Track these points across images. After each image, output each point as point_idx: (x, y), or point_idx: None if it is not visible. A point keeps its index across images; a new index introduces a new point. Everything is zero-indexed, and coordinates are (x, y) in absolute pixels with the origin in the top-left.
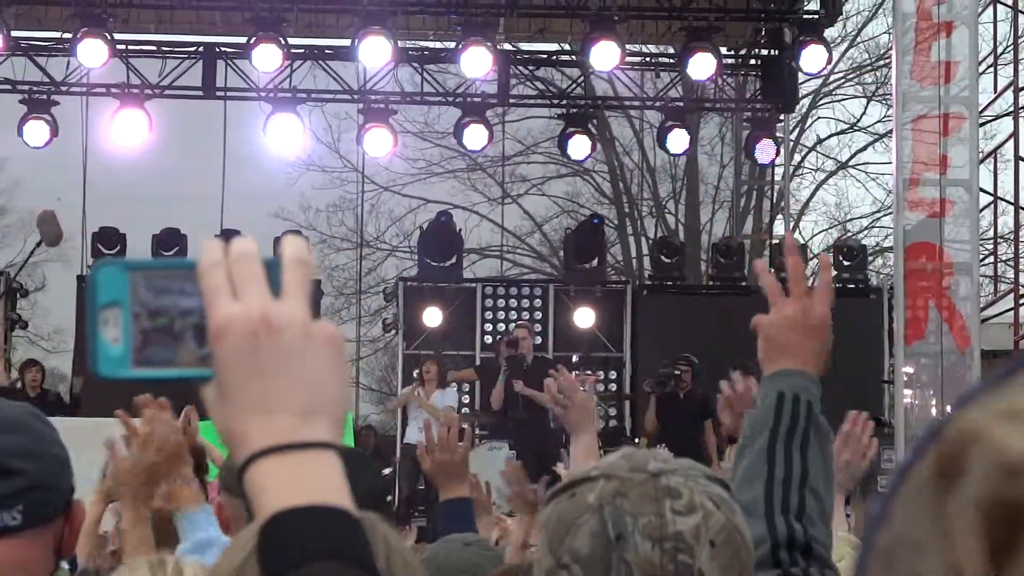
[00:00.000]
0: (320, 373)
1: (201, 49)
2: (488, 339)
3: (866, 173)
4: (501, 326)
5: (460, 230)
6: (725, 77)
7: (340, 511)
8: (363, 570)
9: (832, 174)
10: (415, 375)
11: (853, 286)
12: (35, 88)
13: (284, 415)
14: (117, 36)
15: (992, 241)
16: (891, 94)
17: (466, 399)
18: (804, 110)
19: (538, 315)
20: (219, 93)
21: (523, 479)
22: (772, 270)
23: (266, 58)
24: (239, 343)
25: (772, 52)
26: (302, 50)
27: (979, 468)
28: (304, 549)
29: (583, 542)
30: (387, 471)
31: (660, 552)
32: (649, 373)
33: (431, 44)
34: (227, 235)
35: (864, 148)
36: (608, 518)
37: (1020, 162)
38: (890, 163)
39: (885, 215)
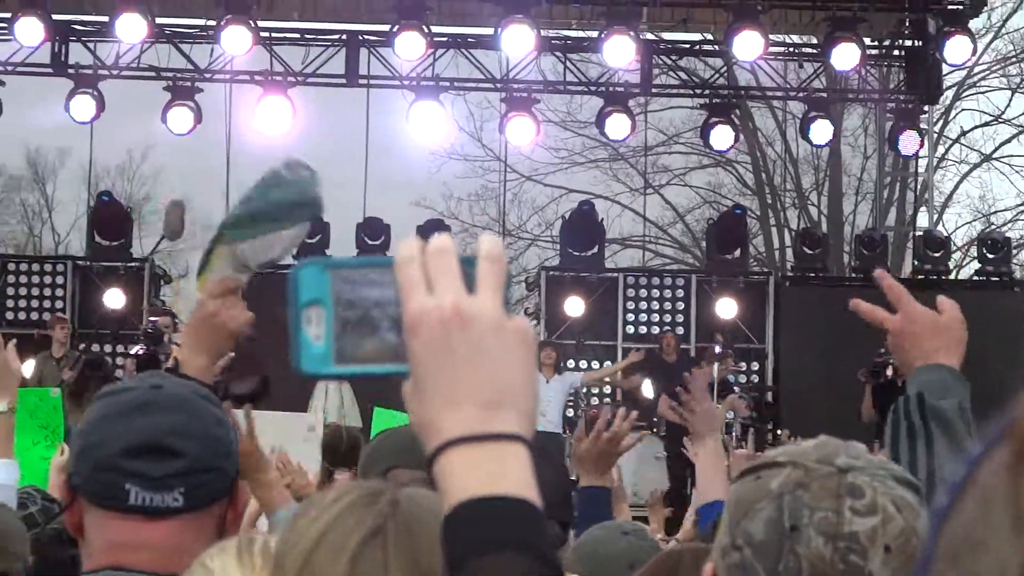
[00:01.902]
0: (510, 367)
1: (344, 37)
2: (630, 329)
3: (1010, 165)
4: (643, 316)
5: (602, 220)
6: (869, 68)
7: (524, 502)
8: (543, 563)
9: (976, 166)
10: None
11: (997, 279)
12: (179, 75)
13: (474, 407)
14: (261, 23)
15: None
16: None
17: (607, 389)
18: (948, 102)
19: (680, 305)
20: (362, 81)
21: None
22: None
23: (409, 46)
24: (432, 335)
25: (916, 43)
26: (445, 38)
27: None
28: (486, 538)
29: (758, 527)
30: None
31: (832, 550)
32: (793, 364)
33: (574, 33)
34: (425, 230)
35: (1009, 140)
36: (786, 507)
37: None
38: None
39: None
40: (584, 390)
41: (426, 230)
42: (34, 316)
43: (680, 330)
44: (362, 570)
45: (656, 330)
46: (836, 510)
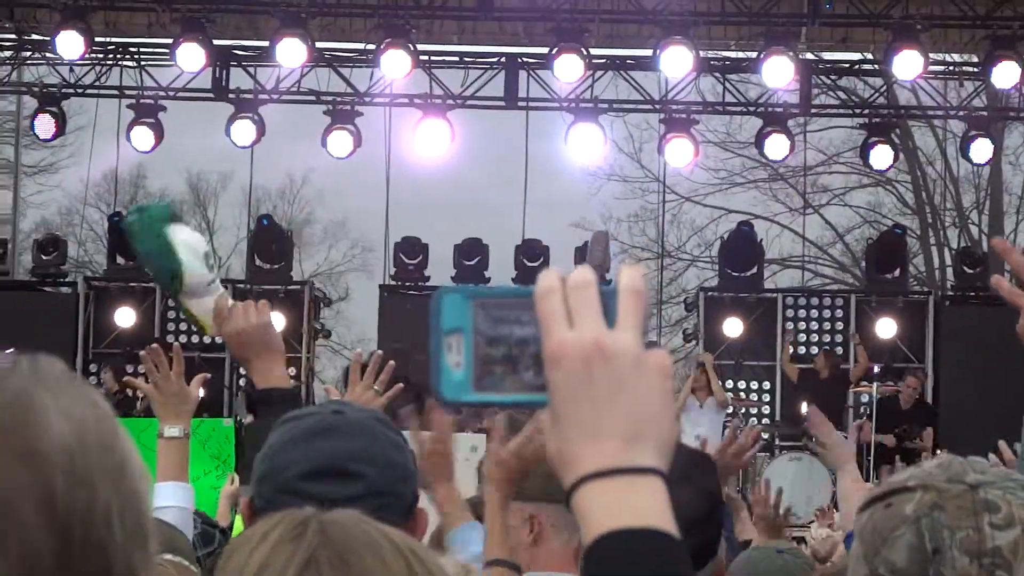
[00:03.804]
0: (649, 401)
1: (503, 59)
2: (790, 349)
3: None
4: (802, 336)
5: (761, 240)
6: None
7: (664, 534)
8: None
9: None
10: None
11: None
12: (339, 99)
13: (613, 440)
14: (420, 47)
15: None
16: None
17: (767, 409)
18: None
19: (839, 325)
20: (521, 103)
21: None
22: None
23: (568, 68)
24: (573, 369)
25: None
26: (604, 60)
27: None
28: (627, 571)
29: (900, 555)
30: None
31: (978, 567)
32: (952, 384)
33: (733, 54)
34: (592, 240)
35: None
36: (925, 531)
37: None
38: None
39: None
40: (742, 410)
41: (592, 240)
42: (195, 340)
43: (839, 350)
44: None
45: (815, 350)
46: (976, 527)
